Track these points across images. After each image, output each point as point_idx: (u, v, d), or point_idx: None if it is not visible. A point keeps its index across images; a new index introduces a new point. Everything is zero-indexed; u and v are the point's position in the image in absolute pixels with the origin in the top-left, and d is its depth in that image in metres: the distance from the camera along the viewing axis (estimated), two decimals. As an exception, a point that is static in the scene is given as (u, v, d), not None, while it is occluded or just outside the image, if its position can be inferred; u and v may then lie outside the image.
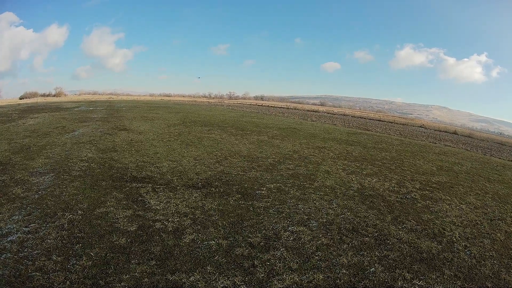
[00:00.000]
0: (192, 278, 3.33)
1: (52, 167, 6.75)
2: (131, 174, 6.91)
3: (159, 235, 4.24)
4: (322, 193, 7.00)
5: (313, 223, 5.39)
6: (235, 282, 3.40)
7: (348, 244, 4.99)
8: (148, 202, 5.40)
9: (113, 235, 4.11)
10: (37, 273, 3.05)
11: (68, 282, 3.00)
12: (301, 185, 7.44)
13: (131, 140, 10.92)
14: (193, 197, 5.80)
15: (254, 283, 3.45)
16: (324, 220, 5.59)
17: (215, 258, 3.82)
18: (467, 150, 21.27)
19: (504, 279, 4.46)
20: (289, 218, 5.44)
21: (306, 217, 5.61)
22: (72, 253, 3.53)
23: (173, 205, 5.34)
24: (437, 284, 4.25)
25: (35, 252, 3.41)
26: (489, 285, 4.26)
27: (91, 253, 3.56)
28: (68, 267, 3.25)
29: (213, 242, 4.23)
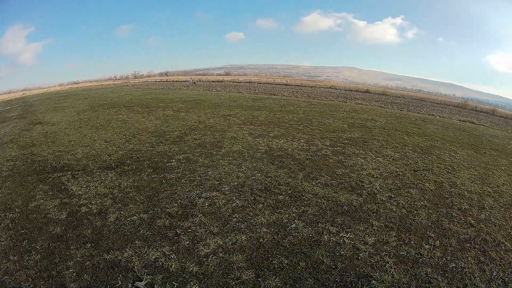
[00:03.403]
0: (125, 254, 6.28)
1: (-17, 172, 10.84)
2: (51, 165, 11.96)
3: (87, 219, 7.73)
4: (230, 158, 12.40)
5: (225, 187, 9.63)
6: (164, 252, 6.38)
7: (263, 203, 8.73)
8: (71, 189, 9.56)
9: (49, 226, 7.39)
10: (6, 277, 5.69)
11: (30, 279, 5.60)
12: (208, 153, 13.16)
13: (46, 132, 18.48)
14: (109, 177, 10.35)
15: (182, 251, 6.45)
16: (236, 184, 9.95)
17: (141, 232, 7.10)
18: (381, 107, 37.63)
19: (450, 229, 8.92)
20: (201, 185, 9.76)
21: (217, 182, 9.99)
22: (22, 250, 6.47)
23: (93, 188, 9.52)
24: (368, 235, 8.06)
25: (-2, 257, 5.96)
26: (432, 235, 8.49)
27: (37, 247, 6.55)
28: (24, 264, 6.02)
29: (135, 217, 7.74)
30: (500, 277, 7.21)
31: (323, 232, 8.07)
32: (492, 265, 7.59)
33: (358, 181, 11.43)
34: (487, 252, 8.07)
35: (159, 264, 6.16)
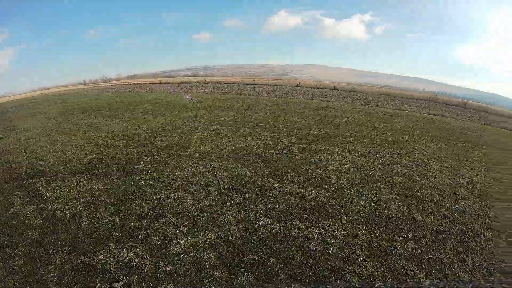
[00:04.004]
0: (101, 256, 6.78)
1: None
2: (25, 171, 12.41)
3: (62, 223, 8.24)
4: (197, 159, 13.26)
5: (192, 187, 10.31)
6: (138, 253, 6.90)
7: (230, 202, 9.32)
8: (45, 194, 10.05)
9: (28, 231, 7.87)
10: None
11: (17, 284, 6.13)
12: (176, 154, 13.99)
13: (19, 139, 18.98)
14: (80, 182, 10.93)
15: (154, 251, 6.98)
16: (203, 183, 10.63)
17: (114, 234, 7.63)
18: (348, 103, 38.94)
19: (422, 221, 9.18)
20: (169, 186, 10.43)
21: (185, 182, 10.69)
22: (6, 256, 6.93)
23: (65, 193, 10.06)
24: (338, 230, 8.29)
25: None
26: (404, 227, 8.77)
27: (19, 252, 7.05)
28: (10, 270, 6.49)
29: (108, 220, 8.29)
30: (484, 267, 7.37)
31: (291, 228, 8.29)
32: (473, 255, 7.77)
33: (325, 177, 11.75)
34: (465, 243, 8.26)
35: (133, 264, 6.63)
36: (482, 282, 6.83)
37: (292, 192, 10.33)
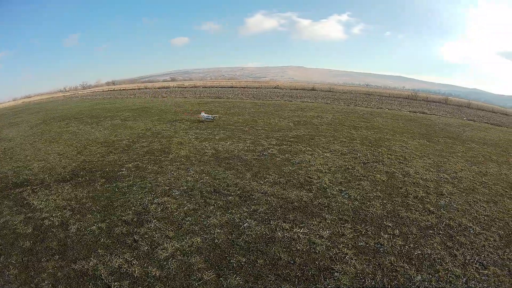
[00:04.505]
0: (91, 263, 6.98)
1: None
2: (12, 181, 12.72)
3: (51, 231, 8.48)
4: (178, 163, 13.65)
5: (175, 192, 10.64)
6: (126, 258, 7.11)
7: (214, 205, 9.61)
8: (32, 203, 10.32)
9: (19, 240, 8.14)
10: (-2, 292, 6.24)
11: None
12: (157, 159, 14.38)
13: (4, 148, 19.64)
14: (65, 190, 11.21)
15: (142, 257, 7.19)
16: (185, 188, 10.98)
17: (101, 241, 7.86)
18: (327, 103, 39.64)
19: (408, 217, 9.35)
20: (152, 191, 10.76)
21: (168, 187, 11.03)
22: (2, 265, 7.21)
23: (52, 201, 10.34)
24: (323, 229, 8.41)
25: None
26: (390, 224, 8.94)
27: (13, 261, 7.29)
28: (6, 279, 6.76)
29: (94, 226, 8.54)
30: (477, 261, 7.49)
31: (276, 229, 8.40)
32: (463, 249, 7.90)
33: (306, 177, 11.95)
34: (454, 237, 8.38)
35: (123, 270, 6.83)
36: (477, 276, 6.93)
37: (275, 194, 10.45)
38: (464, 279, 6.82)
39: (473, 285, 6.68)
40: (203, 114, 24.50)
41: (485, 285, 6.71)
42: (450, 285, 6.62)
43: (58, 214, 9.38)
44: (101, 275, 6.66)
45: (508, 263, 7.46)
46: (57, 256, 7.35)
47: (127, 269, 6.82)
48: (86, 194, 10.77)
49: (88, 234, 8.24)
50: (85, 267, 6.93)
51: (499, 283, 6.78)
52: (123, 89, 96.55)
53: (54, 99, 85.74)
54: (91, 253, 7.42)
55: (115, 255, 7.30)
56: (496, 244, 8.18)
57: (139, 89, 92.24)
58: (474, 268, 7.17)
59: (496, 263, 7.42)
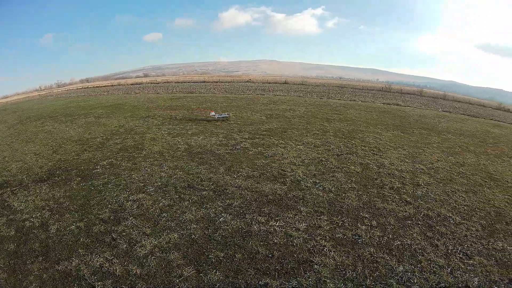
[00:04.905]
0: (73, 264, 7.06)
1: None
2: None
3: (32, 232, 8.51)
4: (151, 159, 13.71)
5: (150, 188, 10.71)
6: (107, 257, 7.18)
7: (189, 200, 9.71)
8: (13, 205, 10.30)
9: (3, 243, 8.13)
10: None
11: None
12: (131, 156, 14.44)
13: None
14: (43, 190, 11.21)
15: (122, 255, 7.25)
16: (159, 184, 11.04)
17: (81, 240, 7.92)
18: (300, 96, 40.12)
19: (384, 208, 9.45)
20: (127, 188, 10.82)
21: (142, 184, 11.10)
22: None
23: (31, 202, 10.32)
24: (299, 222, 8.43)
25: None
26: (367, 215, 9.02)
27: (1, 265, 7.31)
28: None
29: (73, 226, 8.59)
30: (460, 251, 7.58)
31: (252, 223, 8.43)
32: (444, 239, 8.00)
33: (280, 170, 12.04)
34: (434, 228, 8.49)
35: (105, 269, 6.91)
36: (462, 266, 7.01)
37: (249, 187, 10.48)
38: (449, 269, 6.88)
39: (459, 275, 6.73)
40: (213, 113, 23.28)
41: (472, 275, 6.78)
42: (434, 276, 6.65)
43: (38, 215, 9.41)
44: (84, 275, 6.74)
45: (494, 252, 7.57)
46: (41, 258, 7.40)
47: (108, 268, 6.89)
48: (63, 193, 10.78)
49: (68, 234, 8.30)
50: (68, 267, 7.00)
51: (487, 273, 6.86)
52: (97, 87, 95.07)
53: (30, 99, 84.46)
54: (73, 253, 7.49)
55: (96, 254, 7.37)
56: (479, 234, 8.31)
57: (112, 86, 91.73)
58: (458, 258, 7.26)
59: (481, 253, 7.53)
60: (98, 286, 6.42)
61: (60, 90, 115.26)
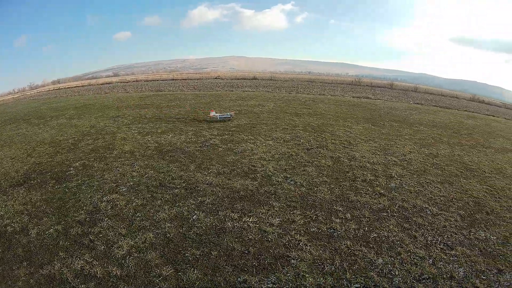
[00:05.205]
0: (56, 267, 7.11)
1: None
2: None
3: (14, 238, 8.50)
4: (123, 159, 13.79)
5: (122, 188, 10.87)
6: (86, 260, 7.28)
7: (161, 199, 9.87)
8: None
9: None
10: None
11: None
12: (102, 156, 14.44)
13: None
14: (21, 194, 11.17)
15: (101, 257, 7.35)
16: (132, 183, 11.21)
17: (60, 243, 8.00)
18: (268, 92, 40.39)
19: (358, 201, 9.49)
20: (100, 189, 10.95)
21: (115, 184, 11.23)
22: None
23: (10, 207, 10.25)
24: (272, 217, 8.43)
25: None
26: (340, 209, 9.05)
27: None
28: None
29: (52, 229, 8.63)
30: (440, 241, 7.68)
31: (225, 220, 8.44)
32: (422, 230, 8.12)
33: (250, 166, 12.10)
34: (410, 219, 8.61)
35: (86, 272, 6.96)
36: (444, 257, 7.10)
37: (220, 184, 10.50)
38: (430, 260, 6.95)
39: (442, 266, 6.79)
40: (213, 113, 21.51)
41: (456, 265, 6.86)
42: (416, 267, 6.72)
43: (18, 220, 9.40)
44: (67, 279, 6.78)
45: (476, 242, 7.71)
46: (25, 263, 7.43)
47: (89, 270, 6.94)
48: (40, 196, 10.76)
49: (48, 237, 8.34)
50: (52, 271, 7.02)
51: (472, 263, 6.96)
52: (68, 87, 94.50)
53: (5, 102, 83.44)
54: (54, 256, 7.54)
55: (76, 257, 7.42)
56: (458, 225, 8.46)
57: (83, 86, 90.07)
58: (439, 249, 7.35)
59: (463, 243, 7.66)
60: (82, 289, 6.33)
61: (33, 92, 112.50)
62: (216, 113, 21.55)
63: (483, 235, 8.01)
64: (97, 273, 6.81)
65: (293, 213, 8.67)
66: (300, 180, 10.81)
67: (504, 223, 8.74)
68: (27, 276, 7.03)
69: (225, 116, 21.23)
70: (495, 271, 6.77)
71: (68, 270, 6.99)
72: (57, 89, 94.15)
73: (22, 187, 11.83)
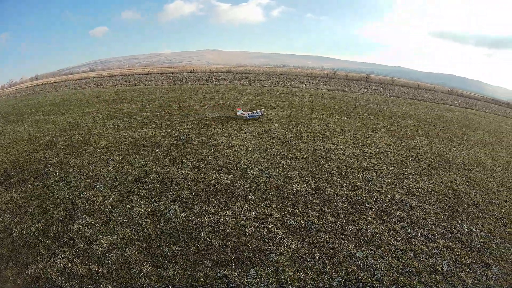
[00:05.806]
0: (40, 266, 7.35)
1: None
2: None
3: None
4: (98, 155, 14.14)
5: (99, 184, 11.25)
6: (68, 257, 7.53)
7: (137, 194, 10.15)
8: None
9: None
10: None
11: None
12: (78, 152, 14.80)
13: None
14: (1, 193, 11.39)
15: (81, 254, 7.60)
16: (108, 179, 11.54)
17: (42, 242, 8.28)
18: (243, 85, 40.51)
19: (335, 193, 9.47)
20: (78, 185, 11.31)
21: (91, 180, 11.58)
22: None
23: None
24: (248, 211, 8.39)
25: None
26: (317, 201, 8.99)
27: None
28: None
29: (33, 228, 8.89)
30: (421, 234, 7.76)
31: (202, 214, 8.42)
32: (402, 223, 8.20)
33: (225, 159, 12.12)
34: (389, 211, 8.68)
35: (69, 270, 7.01)
36: (426, 250, 7.17)
37: (195, 178, 10.45)
38: (412, 253, 7.03)
39: (424, 259, 6.86)
40: (240, 111, 19.72)
41: (439, 258, 6.94)
42: (397, 260, 6.77)
43: (1, 219, 9.53)
44: (52, 277, 6.85)
45: (459, 235, 7.83)
46: (11, 263, 7.51)
47: (72, 268, 7.00)
48: (20, 195, 10.88)
49: (30, 236, 8.44)
50: (36, 270, 7.12)
51: (456, 257, 7.05)
52: (45, 83, 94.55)
53: None
54: (37, 255, 7.64)
55: (58, 255, 7.48)
56: (439, 217, 8.58)
57: (59, 82, 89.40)
58: (420, 241, 7.44)
59: (445, 236, 7.77)
60: (66, 287, 6.56)
61: (11, 90, 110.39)
62: (243, 111, 19.69)
63: (466, 227, 8.15)
64: (79, 271, 6.85)
65: (269, 206, 8.69)
66: (275, 173, 10.84)
67: (486, 216, 8.89)
68: (14, 276, 7.10)
69: (254, 114, 19.67)
70: (481, 264, 6.88)
71: (52, 269, 7.05)
72: (34, 86, 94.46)
73: (3, 185, 11.89)
